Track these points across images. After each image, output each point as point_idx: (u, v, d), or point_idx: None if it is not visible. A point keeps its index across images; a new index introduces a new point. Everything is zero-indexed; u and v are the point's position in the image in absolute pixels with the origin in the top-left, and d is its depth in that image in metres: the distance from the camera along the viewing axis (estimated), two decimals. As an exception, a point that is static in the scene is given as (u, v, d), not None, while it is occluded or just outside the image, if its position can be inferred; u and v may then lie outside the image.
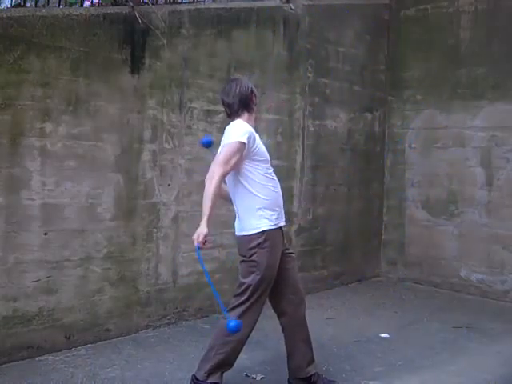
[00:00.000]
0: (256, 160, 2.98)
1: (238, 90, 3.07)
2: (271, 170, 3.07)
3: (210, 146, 3.20)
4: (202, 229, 2.82)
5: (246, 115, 3.07)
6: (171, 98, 4.27)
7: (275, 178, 3.09)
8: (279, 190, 3.10)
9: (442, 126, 5.88)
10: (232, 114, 3.09)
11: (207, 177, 2.86)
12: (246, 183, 2.98)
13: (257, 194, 2.97)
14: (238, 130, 2.94)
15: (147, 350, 3.82)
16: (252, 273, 2.94)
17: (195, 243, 2.84)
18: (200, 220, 4.39)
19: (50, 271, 3.63)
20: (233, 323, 2.80)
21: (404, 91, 6.20)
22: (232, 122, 3.06)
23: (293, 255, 3.20)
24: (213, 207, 2.82)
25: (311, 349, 3.20)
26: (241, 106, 3.07)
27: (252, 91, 3.10)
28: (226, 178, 3.02)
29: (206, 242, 2.83)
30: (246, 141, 2.89)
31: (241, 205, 3.02)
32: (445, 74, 5.86)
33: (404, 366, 3.68)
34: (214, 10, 4.62)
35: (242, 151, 2.90)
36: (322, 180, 5.61)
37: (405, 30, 6.23)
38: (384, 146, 6.36)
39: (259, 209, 2.96)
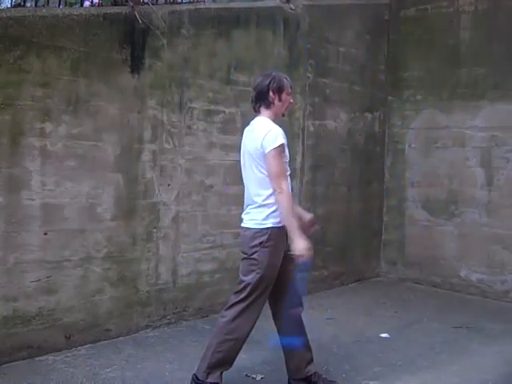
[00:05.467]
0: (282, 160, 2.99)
1: (257, 84, 3.10)
2: (289, 171, 3.08)
3: None
4: (302, 243, 2.88)
5: (265, 111, 3.06)
6: (171, 98, 4.27)
7: (289, 178, 3.08)
8: (290, 189, 3.09)
9: (442, 126, 5.88)
10: (253, 108, 3.12)
11: (277, 192, 2.90)
12: (265, 179, 2.96)
13: (270, 190, 2.96)
14: (270, 136, 2.92)
15: (147, 350, 3.83)
16: (252, 271, 2.94)
17: (301, 260, 2.90)
18: (200, 220, 4.45)
19: (49, 271, 3.63)
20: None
21: (404, 91, 6.20)
22: (256, 118, 3.07)
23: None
24: (295, 219, 2.91)
25: (309, 348, 3.20)
26: (257, 100, 3.08)
27: (270, 87, 3.01)
28: (246, 166, 3.05)
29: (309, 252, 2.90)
30: (283, 141, 2.95)
31: (254, 197, 3.01)
32: (445, 74, 5.85)
33: (404, 366, 3.68)
34: (214, 9, 4.62)
35: (284, 151, 2.97)
36: (322, 180, 5.61)
37: (405, 30, 6.23)
38: (384, 146, 6.36)
39: (268, 205, 2.96)
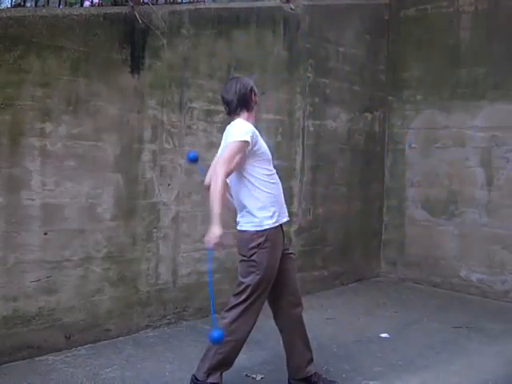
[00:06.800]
0: (258, 159, 3.00)
1: (237, 89, 3.09)
2: (273, 170, 3.07)
3: (197, 161, 3.19)
4: (215, 230, 2.79)
5: (245, 114, 3.09)
6: (171, 98, 4.27)
7: (276, 176, 3.09)
8: (280, 188, 3.10)
9: (441, 126, 5.88)
10: (231, 112, 3.11)
11: (213, 177, 2.86)
12: (248, 181, 2.98)
13: (259, 192, 2.97)
14: (240, 129, 2.94)
15: (147, 350, 3.83)
16: (251, 273, 2.94)
17: (208, 245, 2.83)
18: (200, 220, 4.45)
19: (49, 271, 3.63)
20: (216, 334, 2.80)
21: (404, 91, 6.20)
22: (232, 122, 3.08)
23: (293, 256, 3.21)
24: (221, 206, 2.82)
25: (310, 349, 3.20)
26: (240, 104, 3.08)
27: (252, 90, 3.11)
28: (231, 175, 3.03)
29: (219, 243, 2.80)
30: (249, 139, 2.91)
31: (243, 202, 3.02)
32: (445, 74, 5.85)
33: (404, 366, 3.68)
34: (214, 9, 4.62)
35: (245, 150, 2.92)
36: (321, 180, 5.61)
37: (405, 30, 6.24)
38: (384, 146, 6.36)
39: (261, 207, 2.97)
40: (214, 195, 2.82)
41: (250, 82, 3.15)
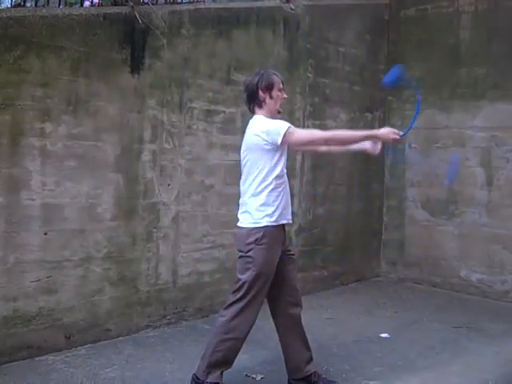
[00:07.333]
0: (283, 157, 3.00)
1: (247, 85, 3.12)
2: (284, 170, 3.07)
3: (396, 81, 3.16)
4: (381, 131, 3.09)
5: (259, 110, 3.07)
6: (171, 98, 4.27)
7: (286, 178, 3.08)
8: (287, 190, 3.08)
9: (442, 126, 5.88)
10: (249, 109, 3.14)
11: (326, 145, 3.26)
12: (259, 177, 2.97)
13: (264, 190, 2.96)
14: (273, 126, 2.93)
15: (147, 350, 3.83)
16: (248, 269, 2.94)
17: (396, 137, 3.07)
18: (200, 220, 4.46)
19: (49, 271, 3.63)
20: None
21: (404, 91, 6.19)
22: (254, 117, 3.08)
23: (293, 256, 3.20)
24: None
25: (309, 348, 3.19)
26: (249, 100, 3.10)
27: (258, 85, 3.02)
28: (247, 165, 3.04)
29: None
30: (288, 124, 2.94)
31: (247, 197, 3.02)
32: (445, 74, 5.85)
33: (404, 366, 3.68)
34: (214, 9, 4.62)
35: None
36: (322, 180, 5.60)
37: (405, 30, 6.23)
38: (384, 146, 6.34)
39: (262, 204, 2.96)
40: (346, 134, 3.15)
41: (257, 77, 3.05)
